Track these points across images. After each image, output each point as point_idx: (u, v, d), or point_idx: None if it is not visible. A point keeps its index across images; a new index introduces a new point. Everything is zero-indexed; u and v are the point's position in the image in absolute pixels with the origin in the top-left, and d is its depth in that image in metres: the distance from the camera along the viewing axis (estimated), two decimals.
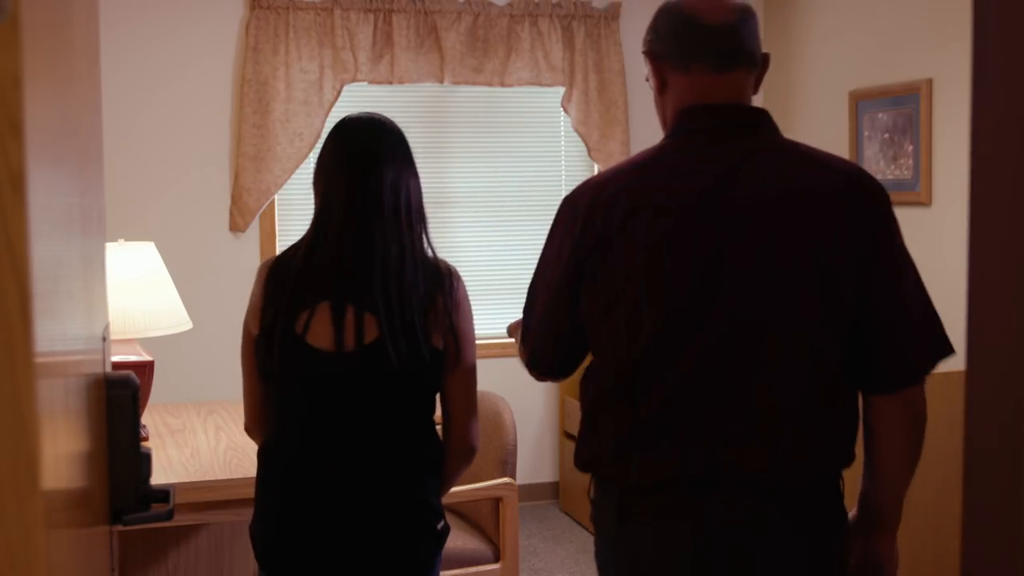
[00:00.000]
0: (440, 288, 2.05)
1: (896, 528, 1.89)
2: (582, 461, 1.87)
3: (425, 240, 2.10)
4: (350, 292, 2.02)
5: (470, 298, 2.16)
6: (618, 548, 1.81)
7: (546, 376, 1.96)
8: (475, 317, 5.29)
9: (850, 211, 1.74)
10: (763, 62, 1.86)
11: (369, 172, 2.06)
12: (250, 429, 2.22)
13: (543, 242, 1.90)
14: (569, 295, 1.83)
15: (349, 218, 2.05)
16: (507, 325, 2.09)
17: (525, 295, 1.95)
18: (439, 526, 2.12)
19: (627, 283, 1.75)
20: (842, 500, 1.83)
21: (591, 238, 1.78)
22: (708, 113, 1.81)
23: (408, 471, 2.08)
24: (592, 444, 1.83)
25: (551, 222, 1.89)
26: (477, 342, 5.37)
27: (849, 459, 1.81)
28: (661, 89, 1.87)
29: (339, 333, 2.01)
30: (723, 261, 1.72)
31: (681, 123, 1.83)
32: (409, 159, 2.13)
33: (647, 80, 1.92)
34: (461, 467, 2.19)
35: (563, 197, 1.95)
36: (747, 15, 1.82)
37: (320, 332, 2.02)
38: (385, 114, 2.17)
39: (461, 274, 2.15)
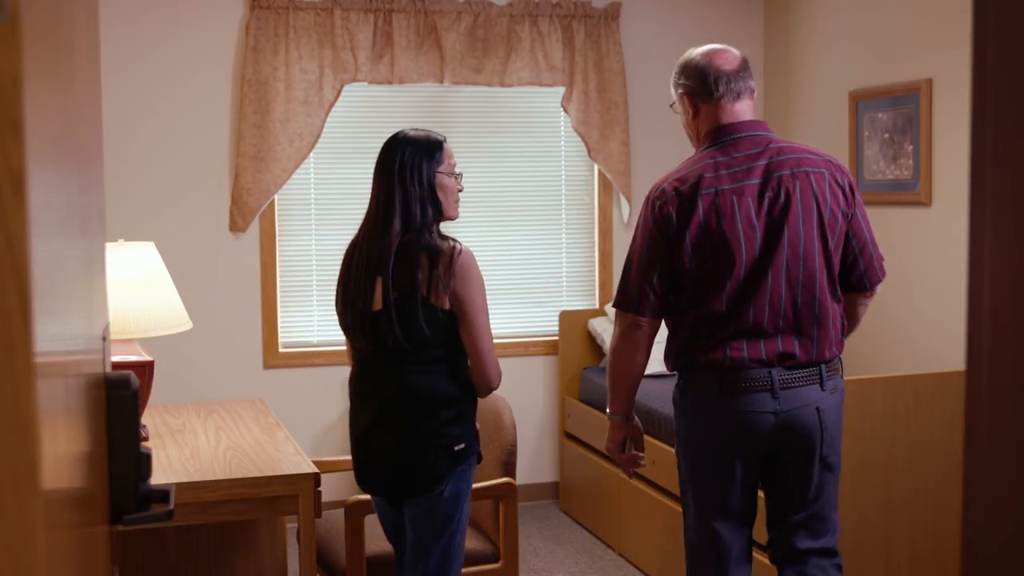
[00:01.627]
0: (438, 263, 2.70)
1: None
2: (679, 363, 2.76)
3: (435, 228, 2.79)
4: (375, 269, 2.75)
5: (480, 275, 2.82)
6: (718, 414, 2.72)
7: (643, 316, 2.73)
8: None
9: (837, 181, 2.74)
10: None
11: (385, 182, 2.79)
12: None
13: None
14: (668, 254, 2.68)
15: (375, 219, 2.80)
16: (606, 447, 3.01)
17: (622, 270, 2.81)
18: (456, 448, 2.77)
19: (718, 241, 2.65)
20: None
21: (682, 215, 2.66)
22: (732, 128, 2.74)
23: (424, 401, 2.75)
24: (690, 350, 2.72)
25: (641, 212, 2.75)
26: None
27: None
28: (695, 116, 2.78)
29: (368, 298, 2.76)
30: (780, 220, 2.66)
31: (715, 137, 2.74)
32: (427, 161, 2.83)
33: (672, 106, 2.86)
34: (481, 396, 2.87)
35: (650, 190, 2.76)
36: (746, 62, 2.80)
37: (358, 297, 2.77)
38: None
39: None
